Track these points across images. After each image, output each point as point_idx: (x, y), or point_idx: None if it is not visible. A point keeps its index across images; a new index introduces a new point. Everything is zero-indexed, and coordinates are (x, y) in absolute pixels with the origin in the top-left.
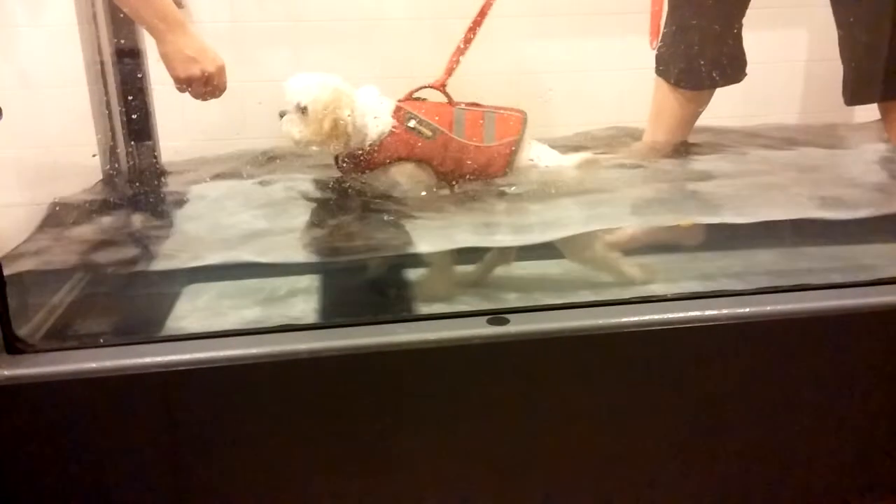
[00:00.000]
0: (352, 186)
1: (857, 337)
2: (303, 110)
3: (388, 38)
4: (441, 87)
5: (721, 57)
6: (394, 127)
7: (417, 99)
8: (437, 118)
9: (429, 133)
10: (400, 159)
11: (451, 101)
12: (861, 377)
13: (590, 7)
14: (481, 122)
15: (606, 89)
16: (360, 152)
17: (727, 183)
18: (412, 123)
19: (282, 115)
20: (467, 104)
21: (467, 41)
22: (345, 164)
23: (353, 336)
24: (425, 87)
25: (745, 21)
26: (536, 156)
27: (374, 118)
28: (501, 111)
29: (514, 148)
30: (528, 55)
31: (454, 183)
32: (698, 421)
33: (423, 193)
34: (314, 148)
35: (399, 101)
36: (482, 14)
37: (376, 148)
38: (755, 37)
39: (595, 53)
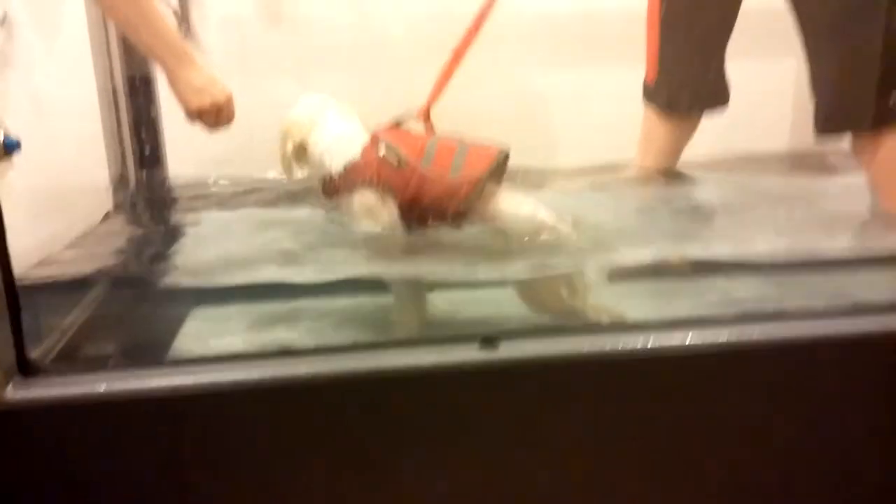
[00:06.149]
0: None
1: (849, 365)
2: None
3: (399, 64)
4: (424, 116)
5: (706, 83)
6: (362, 154)
7: (397, 126)
8: (407, 147)
9: (395, 162)
10: (364, 185)
11: (431, 131)
12: (859, 406)
13: (585, 37)
14: (452, 154)
15: (603, 120)
16: (330, 178)
17: None
18: (381, 151)
19: None
20: (447, 136)
21: (452, 68)
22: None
23: (346, 360)
24: (406, 115)
25: (733, 50)
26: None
27: (338, 150)
28: (478, 145)
29: (475, 185)
30: (522, 85)
31: (415, 221)
32: (695, 449)
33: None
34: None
35: (377, 130)
36: (466, 41)
37: (346, 174)
38: (744, 66)
39: (591, 83)
